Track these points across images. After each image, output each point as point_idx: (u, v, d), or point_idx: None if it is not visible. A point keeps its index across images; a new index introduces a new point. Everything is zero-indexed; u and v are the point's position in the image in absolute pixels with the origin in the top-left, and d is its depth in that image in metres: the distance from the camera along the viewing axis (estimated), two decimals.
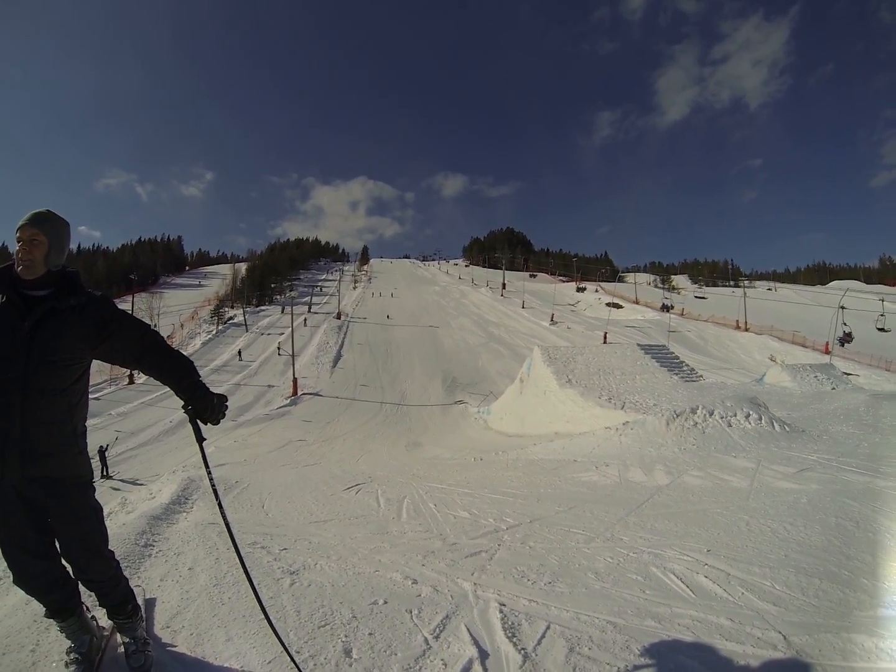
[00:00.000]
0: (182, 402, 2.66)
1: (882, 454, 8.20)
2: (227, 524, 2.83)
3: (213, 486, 2.88)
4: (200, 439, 2.70)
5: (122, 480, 20.23)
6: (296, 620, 3.42)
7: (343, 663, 2.92)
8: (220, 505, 2.86)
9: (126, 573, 3.25)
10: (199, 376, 2.79)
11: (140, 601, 3.34)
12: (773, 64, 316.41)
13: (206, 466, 2.81)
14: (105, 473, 21.51)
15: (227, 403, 2.75)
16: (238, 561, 2.78)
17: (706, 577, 4.11)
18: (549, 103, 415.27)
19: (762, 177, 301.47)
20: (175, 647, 3.11)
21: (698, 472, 7.64)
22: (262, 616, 2.76)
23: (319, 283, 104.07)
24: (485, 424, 26.70)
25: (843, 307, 44.29)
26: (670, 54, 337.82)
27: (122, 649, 2.91)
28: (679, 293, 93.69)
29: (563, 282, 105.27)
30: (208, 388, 2.71)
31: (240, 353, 53.31)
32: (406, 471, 10.41)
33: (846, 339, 44.53)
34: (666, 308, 65.99)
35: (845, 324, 43.57)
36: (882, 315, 43.65)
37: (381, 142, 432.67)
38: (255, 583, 2.80)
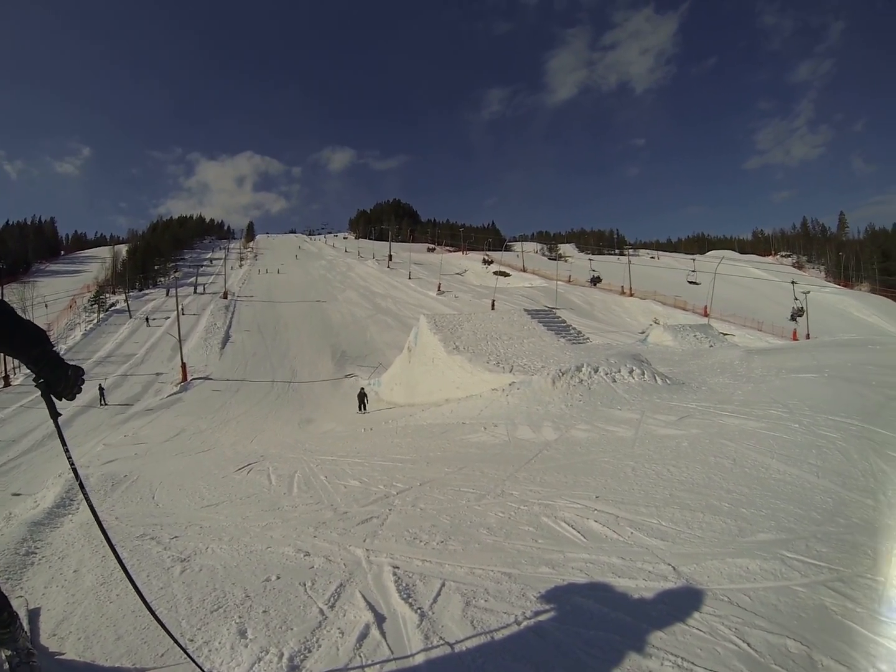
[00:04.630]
0: (33, 376, 2.42)
1: (753, 400, 9.01)
2: (93, 512, 2.60)
3: (72, 466, 2.64)
4: (55, 415, 2.44)
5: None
6: (187, 608, 3.36)
7: (238, 645, 2.87)
8: (82, 486, 2.64)
9: (7, 586, 3.23)
10: (53, 346, 2.52)
11: (23, 612, 3.18)
12: (659, 53, 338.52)
13: (64, 445, 2.57)
14: None
15: (84, 377, 2.52)
16: (113, 555, 2.59)
17: (596, 521, 4.36)
18: (439, 79, 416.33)
19: (645, 155, 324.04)
20: (63, 654, 2.96)
21: (585, 426, 8.06)
22: (153, 609, 2.61)
23: (205, 263, 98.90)
24: (376, 396, 26.94)
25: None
26: (563, 38, 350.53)
27: (6, 665, 2.68)
28: (566, 261, 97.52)
29: (450, 251, 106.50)
30: (62, 359, 2.47)
31: (147, 319, 52.89)
32: (298, 447, 10.52)
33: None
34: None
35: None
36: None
37: (267, 115, 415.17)
38: (131, 574, 2.63)
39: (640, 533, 4.07)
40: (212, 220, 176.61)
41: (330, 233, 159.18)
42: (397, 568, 3.73)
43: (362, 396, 24.16)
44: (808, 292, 49.48)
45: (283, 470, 7.80)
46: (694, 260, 56.24)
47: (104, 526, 2.65)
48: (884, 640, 2.70)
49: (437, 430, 9.76)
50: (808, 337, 42.30)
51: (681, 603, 3.08)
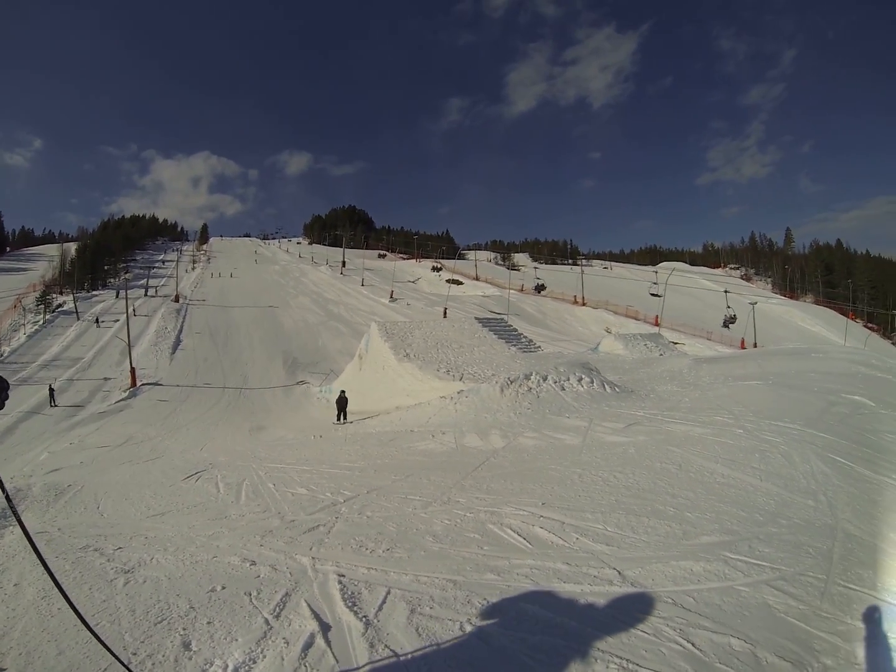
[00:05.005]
0: None
1: (700, 407, 9.24)
2: (23, 528, 2.48)
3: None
4: None
5: None
6: (131, 620, 3.28)
7: (182, 658, 2.83)
8: (8, 499, 2.52)
9: None
10: None
11: None
12: (618, 71, 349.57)
13: None
14: None
15: (9, 392, 2.41)
16: (44, 568, 2.48)
17: (542, 527, 4.39)
18: (400, 87, 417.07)
19: (601, 168, 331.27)
20: (4, 670, 2.88)
21: (533, 434, 8.12)
22: (95, 622, 2.53)
23: (157, 264, 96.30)
24: (327, 403, 26.61)
25: (726, 291, 51.71)
26: (525, 51, 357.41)
27: None
28: (519, 270, 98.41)
29: (404, 259, 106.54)
30: None
31: (98, 319, 51.25)
32: (248, 454, 10.50)
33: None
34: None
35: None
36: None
37: (226, 116, 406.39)
38: (65, 589, 2.55)
39: (585, 538, 4.12)
40: (165, 221, 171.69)
41: (284, 237, 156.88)
42: (343, 576, 3.73)
43: (343, 403, 20.00)
44: (756, 303, 51.23)
45: (232, 478, 7.77)
46: (656, 272, 57.77)
47: (34, 540, 2.56)
48: (826, 634, 2.80)
49: (386, 437, 9.77)
50: (755, 346, 43.69)
51: (626, 606, 3.13)
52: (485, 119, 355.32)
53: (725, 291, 52.95)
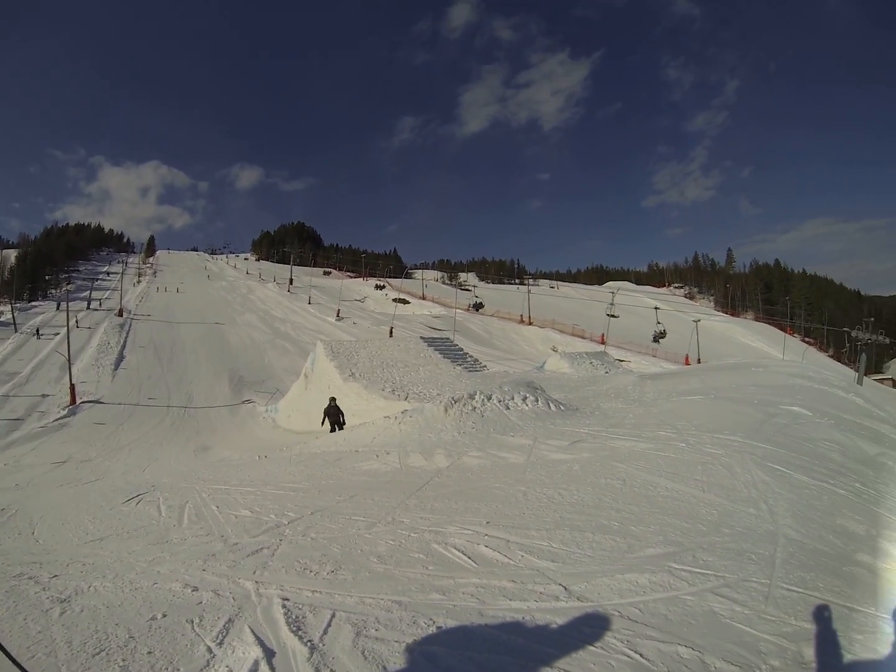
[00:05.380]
0: None
1: (644, 423, 9.42)
2: None
3: None
4: None
5: None
6: (67, 653, 3.16)
7: None
8: None
9: None
10: None
11: None
12: (570, 95, 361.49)
13: None
14: None
15: None
16: None
17: (487, 546, 4.40)
18: (354, 104, 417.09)
19: (549, 189, 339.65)
20: None
21: (478, 453, 8.15)
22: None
23: (101, 276, 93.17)
24: (273, 423, 26.34)
25: (657, 308, 53.50)
26: (479, 73, 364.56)
27: None
28: (467, 290, 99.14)
29: (351, 277, 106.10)
30: None
31: (38, 331, 49.72)
32: (192, 475, 10.30)
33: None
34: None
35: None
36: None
37: (178, 125, 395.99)
38: None
39: (530, 556, 4.14)
40: (111, 231, 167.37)
41: (232, 252, 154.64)
42: (287, 600, 3.70)
43: (335, 413, 17.18)
44: (699, 320, 53.21)
45: (174, 500, 7.61)
46: (613, 294, 59.14)
47: None
48: (772, 637, 2.89)
49: (331, 457, 9.68)
50: (699, 362, 44.94)
51: (572, 621, 3.16)
52: (437, 138, 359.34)
53: (656, 308, 54.84)
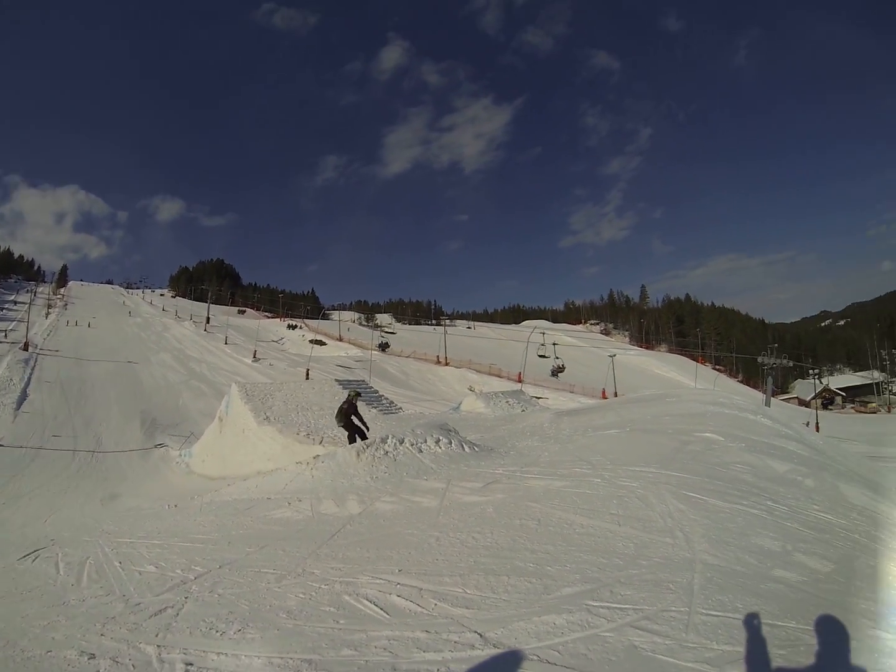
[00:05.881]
0: None
1: (559, 460, 9.47)
2: None
3: None
4: None
5: None
6: None
7: None
8: None
9: None
10: None
11: None
12: (491, 140, 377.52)
13: None
14: None
15: None
16: None
17: (399, 595, 4.31)
18: (280, 140, 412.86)
19: (467, 230, 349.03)
20: None
21: (390, 498, 8.01)
22: None
23: (6, 305, 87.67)
24: (187, 468, 25.26)
25: (555, 343, 56.13)
26: (405, 115, 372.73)
27: None
28: (384, 331, 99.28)
29: (269, 318, 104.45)
30: None
31: None
32: (96, 528, 9.96)
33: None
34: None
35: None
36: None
37: (100, 150, 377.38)
38: None
39: (444, 604, 4.07)
40: (21, 257, 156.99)
41: (149, 287, 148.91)
42: (191, 665, 3.58)
43: (351, 412, 14.38)
44: (615, 355, 55.27)
45: (75, 556, 7.32)
46: (543, 334, 60.82)
47: None
48: (695, 664, 2.94)
49: (242, 505, 9.40)
50: (615, 395, 46.21)
51: (489, 669, 3.11)
52: (359, 178, 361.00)
53: (554, 344, 57.39)
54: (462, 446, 11.09)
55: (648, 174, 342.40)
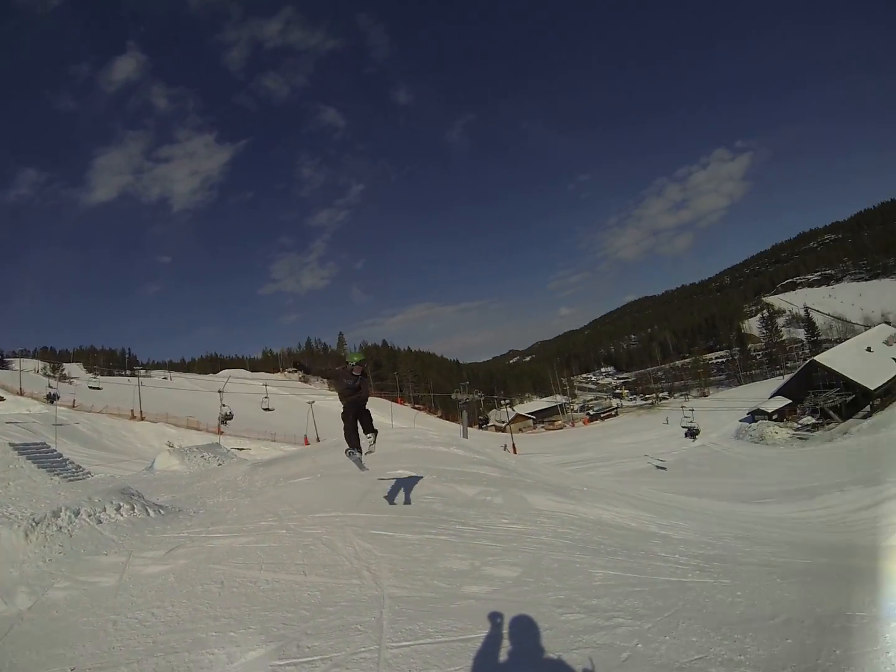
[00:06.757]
0: None
1: (246, 515, 9.16)
2: None
3: None
4: None
5: None
6: None
7: None
8: None
9: None
10: None
11: None
12: (207, 178, 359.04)
13: None
14: None
15: None
16: None
17: None
18: None
19: (168, 273, 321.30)
20: None
21: (66, 583, 6.95)
22: None
23: None
24: None
25: (220, 391, 53.80)
26: (122, 137, 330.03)
27: None
28: (71, 383, 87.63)
29: None
30: None
31: None
32: None
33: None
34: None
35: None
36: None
37: None
38: None
39: None
40: None
41: None
42: None
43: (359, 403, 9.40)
44: (313, 402, 56.43)
45: None
46: (265, 385, 58.71)
47: None
48: None
49: None
50: (318, 440, 46.48)
51: None
52: (58, 200, 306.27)
53: (219, 391, 57.88)
54: (146, 511, 10.14)
55: (354, 227, 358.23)
